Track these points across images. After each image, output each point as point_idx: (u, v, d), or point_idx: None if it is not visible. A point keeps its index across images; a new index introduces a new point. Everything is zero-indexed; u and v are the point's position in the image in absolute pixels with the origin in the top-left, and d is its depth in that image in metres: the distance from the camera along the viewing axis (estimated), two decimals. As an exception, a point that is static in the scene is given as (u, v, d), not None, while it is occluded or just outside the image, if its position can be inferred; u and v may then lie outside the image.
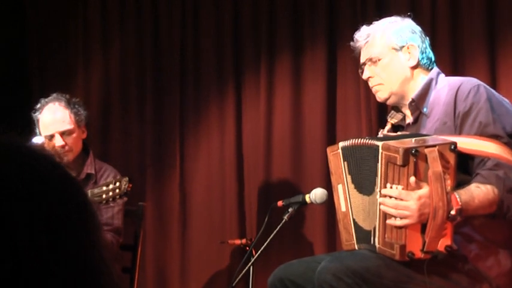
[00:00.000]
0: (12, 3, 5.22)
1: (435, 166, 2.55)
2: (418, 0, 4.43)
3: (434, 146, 2.58)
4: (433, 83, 2.93)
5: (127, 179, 3.38)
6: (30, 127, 4.20)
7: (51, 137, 3.76)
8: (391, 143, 2.67)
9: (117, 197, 3.38)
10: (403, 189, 2.59)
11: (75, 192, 0.98)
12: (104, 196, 3.39)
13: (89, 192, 3.44)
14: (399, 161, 2.57)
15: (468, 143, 2.71)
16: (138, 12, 5.10)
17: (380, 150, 2.66)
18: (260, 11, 4.83)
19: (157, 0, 5.07)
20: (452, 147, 2.59)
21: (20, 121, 4.87)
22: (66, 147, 3.75)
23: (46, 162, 0.97)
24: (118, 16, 5.14)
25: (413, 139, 2.66)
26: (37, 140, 3.79)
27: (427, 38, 3.05)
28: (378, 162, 2.66)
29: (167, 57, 5.03)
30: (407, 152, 2.57)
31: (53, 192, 0.95)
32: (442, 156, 2.57)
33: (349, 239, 2.88)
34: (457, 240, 2.67)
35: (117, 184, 3.37)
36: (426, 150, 2.58)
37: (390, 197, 2.62)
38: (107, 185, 3.40)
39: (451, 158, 2.59)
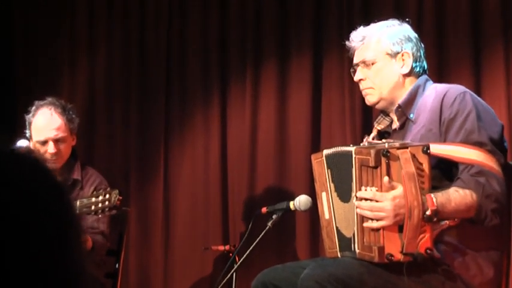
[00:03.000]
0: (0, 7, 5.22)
1: (408, 167, 2.57)
2: (404, 9, 4.46)
3: (406, 147, 2.60)
4: (421, 89, 2.94)
5: (117, 191, 3.36)
6: (15, 130, 4.18)
7: (44, 142, 3.74)
8: (364, 147, 2.69)
9: (106, 209, 3.36)
10: (377, 190, 2.61)
11: (59, 198, 0.96)
12: (92, 208, 3.37)
13: (78, 202, 3.42)
14: (371, 163, 2.60)
15: (452, 151, 2.72)
16: (124, 20, 5.11)
17: (353, 155, 2.68)
18: (246, 18, 4.84)
19: (144, 8, 5.07)
20: (425, 149, 2.61)
21: (5, 125, 4.88)
22: (58, 154, 3.73)
23: (29, 168, 0.95)
24: (105, 23, 5.15)
25: (386, 143, 2.68)
26: (21, 143, 3.77)
27: (423, 46, 3.05)
28: (353, 167, 2.68)
29: (153, 64, 5.03)
30: (378, 153, 2.59)
31: (35, 198, 0.93)
32: (414, 157, 2.59)
33: (332, 247, 2.88)
34: (440, 249, 2.68)
35: (107, 196, 3.35)
36: (398, 152, 2.59)
37: (365, 199, 2.63)
38: (97, 196, 3.38)
39: (425, 160, 2.60)
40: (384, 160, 2.59)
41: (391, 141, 2.83)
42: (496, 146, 2.74)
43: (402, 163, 2.58)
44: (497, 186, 2.68)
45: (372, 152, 2.60)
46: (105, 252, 3.82)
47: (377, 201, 2.60)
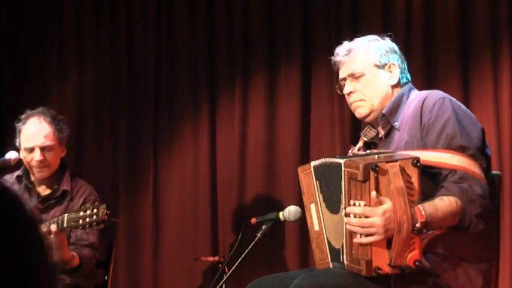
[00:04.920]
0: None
1: (397, 181, 2.56)
2: (392, 20, 4.48)
3: (395, 161, 2.59)
4: (405, 97, 2.95)
5: (105, 205, 3.35)
6: (4, 140, 4.16)
7: (31, 150, 3.74)
8: (353, 159, 2.67)
9: (94, 223, 3.36)
10: (365, 205, 2.59)
11: (25, 225, 0.96)
12: (80, 222, 3.37)
13: (66, 216, 3.42)
14: (360, 177, 2.58)
15: (434, 157, 2.72)
16: (113, 31, 5.11)
17: (342, 168, 2.66)
18: (235, 29, 4.86)
19: (132, 19, 5.08)
20: (415, 161, 2.59)
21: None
22: (45, 163, 3.73)
23: None
24: (93, 34, 5.15)
25: (376, 156, 2.67)
26: (10, 154, 3.77)
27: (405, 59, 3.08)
28: (342, 179, 2.67)
29: (142, 75, 5.04)
30: (367, 167, 2.57)
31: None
32: (404, 171, 2.57)
33: (323, 258, 2.88)
34: (430, 259, 2.68)
35: (95, 210, 3.35)
36: (387, 166, 2.58)
37: (355, 215, 2.62)
38: (85, 210, 3.38)
39: (414, 173, 2.59)
40: (372, 174, 2.57)
41: (376, 151, 2.84)
42: (478, 151, 2.75)
43: (391, 177, 2.56)
44: (480, 190, 2.68)
45: (361, 166, 2.57)
46: (94, 265, 3.81)
47: (367, 216, 2.60)
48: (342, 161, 2.69)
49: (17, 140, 3.80)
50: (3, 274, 0.91)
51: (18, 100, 5.03)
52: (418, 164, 2.60)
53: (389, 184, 2.57)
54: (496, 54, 4.30)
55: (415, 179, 2.60)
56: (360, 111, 3.00)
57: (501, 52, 4.28)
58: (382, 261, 2.59)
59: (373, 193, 2.57)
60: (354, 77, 2.98)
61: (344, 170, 2.66)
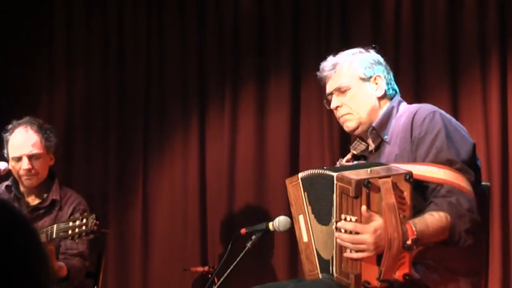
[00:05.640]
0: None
1: (388, 197, 2.54)
2: (382, 32, 4.50)
3: (388, 176, 2.57)
4: (394, 111, 2.96)
5: (94, 216, 3.35)
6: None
7: (19, 159, 3.74)
8: (346, 173, 2.64)
9: (83, 234, 3.35)
10: (356, 220, 2.57)
11: (24, 232, 0.98)
12: (69, 232, 3.36)
13: (55, 226, 3.42)
14: (352, 193, 2.55)
15: (422, 170, 2.72)
16: (103, 41, 5.11)
17: (335, 181, 2.64)
18: (225, 40, 4.86)
19: (123, 30, 5.08)
20: (407, 177, 2.58)
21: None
22: (33, 171, 3.74)
23: None
24: (84, 44, 5.14)
25: (369, 169, 2.64)
26: (0, 165, 3.76)
27: (391, 70, 3.09)
28: (333, 192, 2.65)
29: (132, 86, 5.04)
30: (359, 183, 2.55)
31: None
32: (396, 186, 2.56)
33: (312, 269, 2.87)
34: (419, 270, 2.68)
35: (84, 221, 3.34)
36: (380, 181, 2.55)
37: (345, 230, 2.62)
38: (74, 221, 3.37)
39: (406, 188, 2.58)
40: (364, 191, 2.54)
41: (364, 163, 2.84)
42: (466, 164, 2.76)
43: (383, 194, 2.54)
44: (468, 205, 2.68)
45: (353, 182, 2.55)
46: (84, 275, 3.80)
47: (358, 233, 2.59)
48: (334, 174, 2.65)
49: (5, 151, 3.81)
50: (6, 278, 0.91)
51: (7, 110, 5.02)
52: (411, 180, 2.58)
53: (381, 200, 2.55)
54: (485, 67, 4.32)
55: (407, 194, 2.58)
56: (348, 125, 3.00)
57: (490, 65, 4.31)
58: (371, 275, 2.59)
59: (363, 207, 2.55)
60: (340, 91, 2.99)
61: (336, 184, 2.63)
